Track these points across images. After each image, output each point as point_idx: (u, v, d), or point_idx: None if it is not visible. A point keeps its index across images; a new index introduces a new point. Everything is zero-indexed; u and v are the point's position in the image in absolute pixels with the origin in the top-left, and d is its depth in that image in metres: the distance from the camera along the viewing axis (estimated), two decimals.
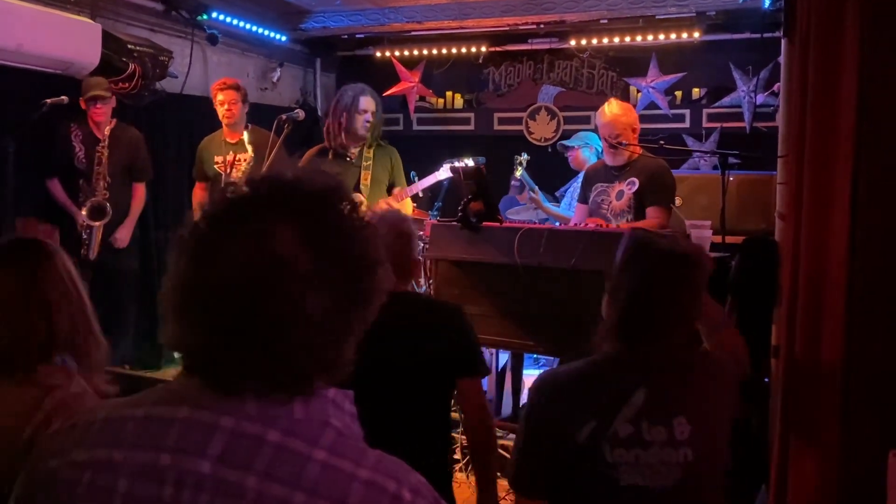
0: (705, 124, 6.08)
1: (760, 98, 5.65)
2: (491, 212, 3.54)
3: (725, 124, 5.94)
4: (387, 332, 2.00)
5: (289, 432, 0.82)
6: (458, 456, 3.57)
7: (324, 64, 7.15)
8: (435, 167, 4.23)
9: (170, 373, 4.64)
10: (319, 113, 6.82)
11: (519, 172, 4.86)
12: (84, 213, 4.41)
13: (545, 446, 1.69)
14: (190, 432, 0.83)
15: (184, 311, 0.85)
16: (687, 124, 6.15)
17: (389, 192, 4.28)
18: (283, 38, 6.25)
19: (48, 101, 3.94)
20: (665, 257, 1.72)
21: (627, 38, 5.97)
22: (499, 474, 2.29)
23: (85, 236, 4.41)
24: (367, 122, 4.19)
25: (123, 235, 4.64)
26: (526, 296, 3.36)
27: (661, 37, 5.82)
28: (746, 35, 5.53)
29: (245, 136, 4.53)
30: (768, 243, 2.80)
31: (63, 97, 4.01)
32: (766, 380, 2.71)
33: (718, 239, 3.28)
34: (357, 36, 6.47)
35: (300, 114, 4.12)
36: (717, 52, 5.88)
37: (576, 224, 3.91)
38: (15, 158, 3.79)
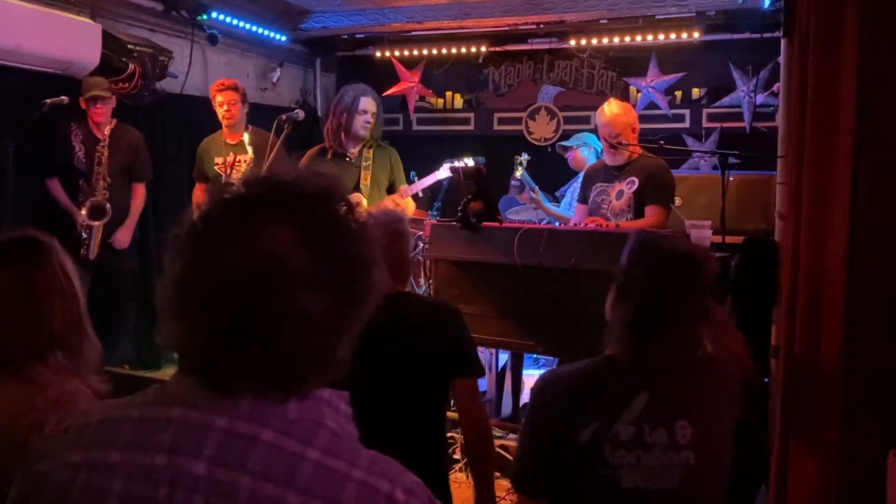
0: (705, 124, 6.08)
1: (760, 98, 5.65)
2: (491, 212, 3.54)
3: (725, 124, 5.94)
4: (382, 332, 2.00)
5: (283, 432, 0.83)
6: (458, 456, 3.57)
7: (324, 64, 7.15)
8: (435, 167, 4.23)
9: (170, 373, 4.63)
10: (319, 113, 6.81)
11: (519, 173, 4.86)
12: (84, 212, 4.40)
13: (546, 446, 1.69)
14: (184, 433, 0.83)
15: (181, 310, 0.85)
16: (687, 124, 6.15)
17: (390, 192, 4.28)
18: (283, 38, 6.25)
19: (48, 101, 3.94)
20: (672, 258, 1.72)
21: (627, 38, 5.97)
22: (499, 475, 2.29)
23: (85, 236, 4.41)
24: (367, 122, 4.18)
25: (124, 237, 4.63)
26: (526, 296, 3.36)
27: (661, 37, 5.82)
28: (746, 35, 5.53)
29: (245, 137, 4.52)
30: (768, 243, 2.81)
31: (63, 97, 4.00)
32: (766, 380, 2.71)
33: (718, 239, 3.28)
34: (357, 36, 6.47)
35: (300, 114, 4.12)
36: (716, 52, 5.88)
37: (575, 224, 3.91)
38: (15, 158, 3.80)
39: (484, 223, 3.48)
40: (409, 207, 4.26)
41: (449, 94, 6.98)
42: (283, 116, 4.01)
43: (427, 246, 3.76)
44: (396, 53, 6.62)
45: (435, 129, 6.94)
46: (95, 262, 4.43)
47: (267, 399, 0.84)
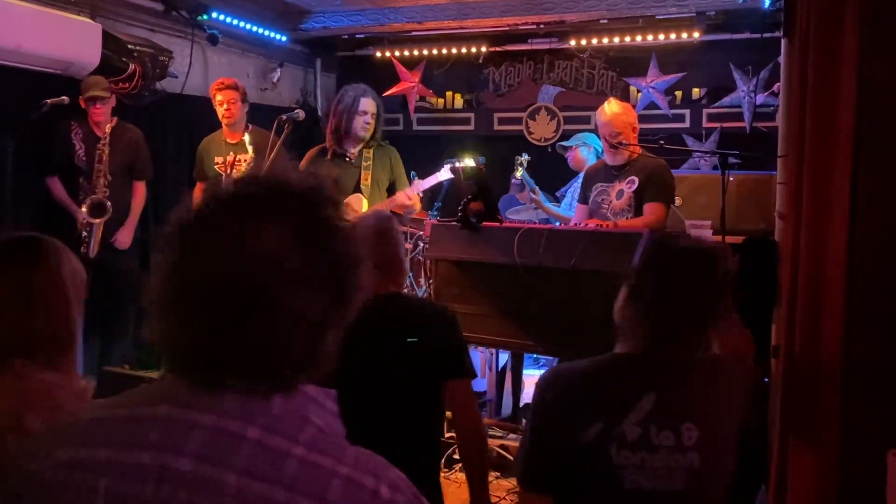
0: (705, 124, 6.08)
1: (760, 98, 5.65)
2: (491, 212, 3.54)
3: (725, 124, 5.94)
4: (374, 333, 2.02)
5: (269, 429, 0.83)
6: (457, 456, 3.57)
7: (324, 64, 7.15)
8: (435, 167, 4.23)
9: None
10: (319, 113, 6.82)
11: (519, 173, 4.87)
12: (84, 210, 4.40)
13: (550, 444, 1.67)
14: (170, 430, 0.83)
15: (172, 308, 0.86)
16: (687, 124, 6.15)
17: (390, 191, 4.28)
18: (284, 39, 6.25)
19: (48, 101, 3.94)
20: (687, 257, 1.69)
21: (627, 38, 5.97)
22: (498, 475, 2.29)
23: (85, 234, 4.40)
24: (367, 123, 4.18)
25: (125, 237, 4.62)
26: (526, 296, 3.36)
27: (661, 37, 5.82)
28: (746, 35, 5.54)
29: (246, 137, 4.53)
30: (768, 243, 2.80)
31: (63, 97, 4.01)
32: (766, 380, 2.71)
33: (718, 239, 3.28)
34: (357, 36, 6.47)
35: (300, 114, 4.12)
36: (716, 52, 5.88)
37: (576, 224, 3.92)
38: (15, 158, 3.79)
39: (484, 223, 3.48)
40: (419, 204, 4.26)
41: (449, 94, 6.98)
42: (284, 116, 4.02)
43: (427, 246, 3.76)
44: (397, 53, 6.62)
45: (435, 129, 6.94)
46: (95, 261, 4.42)
47: (252, 396, 0.85)
